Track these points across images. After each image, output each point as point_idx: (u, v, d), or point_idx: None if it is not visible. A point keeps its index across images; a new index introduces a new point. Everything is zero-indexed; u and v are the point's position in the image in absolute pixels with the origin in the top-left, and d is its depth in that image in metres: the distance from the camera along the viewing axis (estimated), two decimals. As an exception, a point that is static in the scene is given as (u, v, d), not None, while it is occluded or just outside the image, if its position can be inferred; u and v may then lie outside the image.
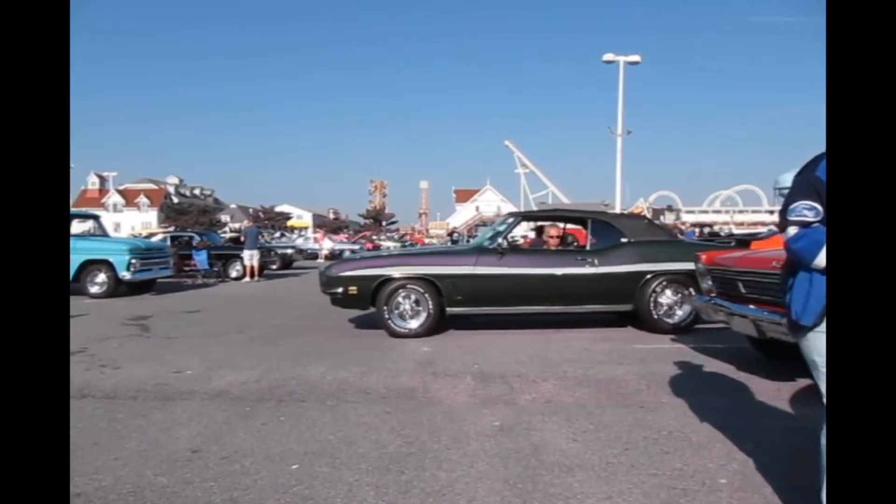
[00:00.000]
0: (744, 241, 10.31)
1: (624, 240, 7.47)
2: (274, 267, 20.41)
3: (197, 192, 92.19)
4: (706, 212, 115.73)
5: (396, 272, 7.25)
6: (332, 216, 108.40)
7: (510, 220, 7.94)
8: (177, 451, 3.36)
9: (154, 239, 19.02)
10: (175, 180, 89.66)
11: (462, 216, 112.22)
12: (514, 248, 7.69)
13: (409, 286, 7.19)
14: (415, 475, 3.00)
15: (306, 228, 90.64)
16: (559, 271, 7.22)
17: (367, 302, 7.27)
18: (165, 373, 5.31)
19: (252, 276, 17.19)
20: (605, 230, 7.64)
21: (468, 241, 56.47)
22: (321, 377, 5.12)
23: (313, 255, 31.94)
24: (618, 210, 39.30)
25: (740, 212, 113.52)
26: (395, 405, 4.27)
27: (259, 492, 2.81)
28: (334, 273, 7.43)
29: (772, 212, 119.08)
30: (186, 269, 16.79)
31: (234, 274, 17.65)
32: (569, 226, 8.91)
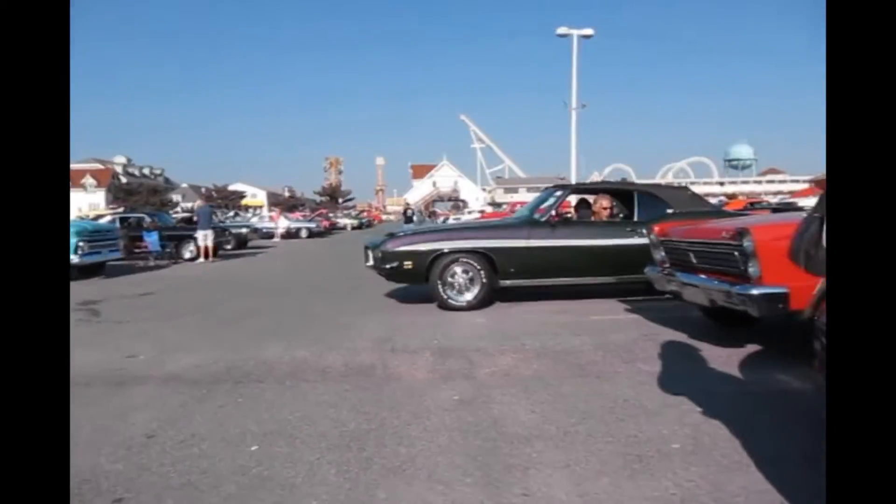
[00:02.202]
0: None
1: (670, 210, 7.63)
2: (229, 247, 20.07)
3: (146, 171, 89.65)
4: (659, 184, 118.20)
5: (451, 246, 7.35)
6: (287, 194, 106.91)
7: (558, 192, 8.07)
8: (132, 436, 3.30)
9: (102, 220, 18.47)
10: (123, 160, 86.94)
11: (419, 192, 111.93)
12: (565, 221, 7.85)
13: (462, 260, 7.29)
14: (375, 451, 3.01)
15: (261, 207, 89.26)
16: (609, 242, 7.32)
17: (421, 276, 7.37)
18: (118, 358, 5.19)
19: (206, 256, 16.88)
20: (652, 202, 7.81)
21: (426, 219, 55.90)
22: (278, 357, 5.08)
23: (269, 235, 31.47)
24: (573, 177, 39.71)
25: (692, 183, 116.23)
26: (354, 383, 4.27)
27: (217, 475, 2.79)
28: (389, 248, 7.47)
29: (722, 183, 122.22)
30: (137, 251, 16.36)
31: (187, 255, 17.29)
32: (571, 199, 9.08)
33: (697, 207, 7.98)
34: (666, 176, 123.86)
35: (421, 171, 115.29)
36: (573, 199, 9.21)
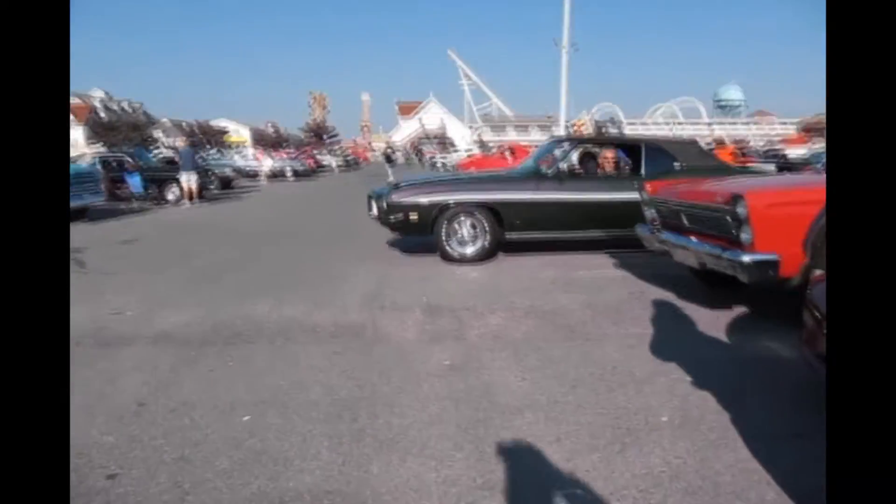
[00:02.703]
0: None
1: (676, 164, 7.62)
2: (213, 188, 19.80)
3: (125, 105, 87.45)
4: (647, 124, 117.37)
5: (457, 199, 7.32)
6: (271, 131, 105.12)
7: (566, 144, 7.98)
8: (123, 404, 3.29)
9: (82, 163, 18.09)
10: (101, 94, 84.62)
11: (405, 130, 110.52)
12: (572, 174, 7.78)
13: (468, 213, 7.29)
14: (367, 423, 3.03)
15: (244, 144, 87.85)
16: (615, 197, 7.27)
17: (427, 228, 7.36)
18: (105, 315, 5.15)
19: (191, 198, 16.65)
20: (659, 156, 7.75)
21: (413, 157, 55.19)
22: (268, 315, 5.06)
23: (253, 174, 31.06)
24: (562, 122, 39.37)
25: (680, 124, 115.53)
26: (344, 344, 4.27)
27: (211, 448, 2.79)
28: (395, 200, 7.44)
29: (710, 124, 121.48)
30: (119, 193, 16.10)
31: (170, 197, 17.06)
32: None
33: (704, 163, 7.94)
34: (654, 116, 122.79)
35: (407, 109, 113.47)
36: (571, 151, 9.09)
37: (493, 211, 7.34)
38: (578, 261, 7.33)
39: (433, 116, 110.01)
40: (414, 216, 7.35)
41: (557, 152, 7.87)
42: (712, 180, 5.51)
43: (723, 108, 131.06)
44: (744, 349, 4.12)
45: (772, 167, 17.90)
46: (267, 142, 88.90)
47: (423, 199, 7.37)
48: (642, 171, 7.67)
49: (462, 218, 7.32)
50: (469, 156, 39.87)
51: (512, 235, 7.49)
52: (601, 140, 9.05)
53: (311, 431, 2.94)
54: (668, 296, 5.52)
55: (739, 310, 5.03)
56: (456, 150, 52.93)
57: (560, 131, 39.81)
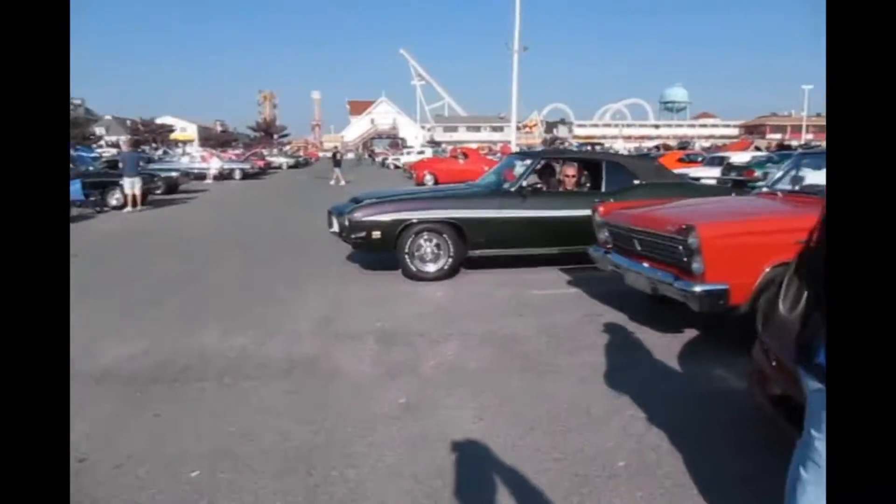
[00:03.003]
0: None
1: (637, 181, 7.71)
2: (158, 192, 19.24)
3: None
4: (597, 125, 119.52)
5: (420, 216, 7.27)
6: (219, 129, 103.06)
7: (528, 161, 7.94)
8: (61, 459, 3.12)
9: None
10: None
11: (357, 129, 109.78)
12: (534, 191, 7.77)
13: (431, 230, 7.26)
14: (322, 477, 2.94)
15: (191, 142, 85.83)
16: (578, 213, 7.19)
17: (389, 246, 7.29)
18: (42, 347, 4.90)
19: (134, 204, 16.15)
20: (619, 172, 7.84)
21: (365, 157, 54.81)
22: (216, 346, 4.91)
23: (200, 176, 30.26)
24: (513, 123, 39.70)
25: (628, 125, 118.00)
26: (297, 381, 4.17)
27: (157, 511, 2.67)
28: (357, 218, 7.31)
29: (657, 126, 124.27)
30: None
31: (113, 203, 16.50)
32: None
33: (662, 179, 8.10)
34: (604, 117, 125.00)
35: (359, 108, 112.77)
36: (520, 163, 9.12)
37: (457, 228, 7.31)
38: (532, 278, 7.36)
39: (385, 115, 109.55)
40: (376, 234, 7.27)
41: (519, 168, 7.88)
42: (664, 205, 5.60)
43: (669, 109, 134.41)
44: (696, 381, 4.18)
45: (714, 174, 18.37)
46: (215, 140, 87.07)
47: (386, 217, 7.29)
48: (602, 187, 7.75)
49: (425, 235, 7.28)
50: (421, 158, 39.77)
51: (475, 253, 7.48)
52: (562, 156, 9.05)
53: (263, 489, 2.84)
54: (621, 318, 5.58)
55: (690, 333, 5.12)
56: (408, 151, 52.68)
57: (512, 131, 40.14)
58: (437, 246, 7.31)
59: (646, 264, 5.06)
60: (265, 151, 56.01)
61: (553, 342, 4.96)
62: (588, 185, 8.16)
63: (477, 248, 7.45)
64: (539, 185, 7.95)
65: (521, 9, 33.09)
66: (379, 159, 61.34)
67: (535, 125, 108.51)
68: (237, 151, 50.51)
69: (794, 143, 65.64)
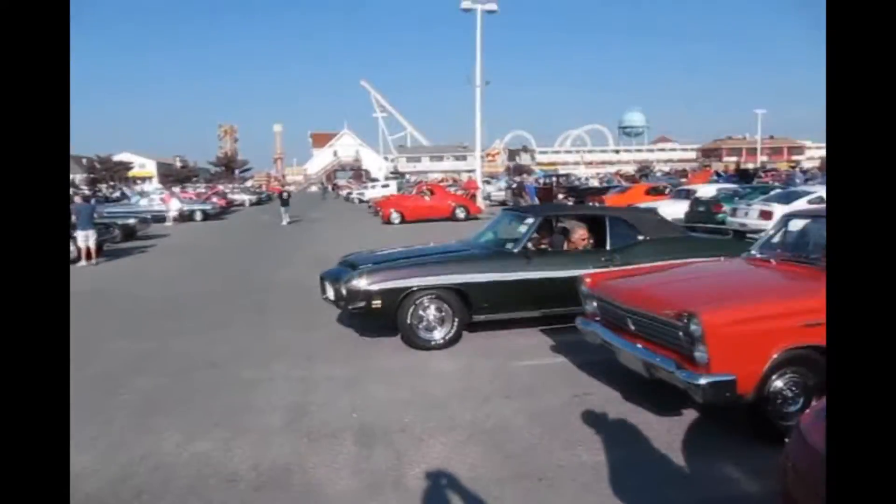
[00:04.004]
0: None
1: (640, 237, 7.54)
2: (115, 241, 18.49)
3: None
4: (558, 152, 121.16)
5: (422, 282, 6.91)
6: (178, 164, 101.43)
7: (530, 220, 7.59)
8: None
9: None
10: (-12, 128, 79.17)
11: (319, 161, 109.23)
12: (539, 252, 7.48)
13: (434, 297, 6.91)
14: None
15: (150, 178, 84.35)
16: (584, 272, 6.89)
17: (390, 314, 6.90)
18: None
19: (89, 257, 15.43)
20: (623, 228, 7.63)
21: (329, 191, 54.21)
22: (177, 455, 4.40)
23: (160, 219, 29.42)
24: (477, 154, 39.75)
25: (589, 151, 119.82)
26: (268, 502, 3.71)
27: None
28: (355, 286, 6.90)
29: (617, 151, 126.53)
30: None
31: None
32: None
33: (666, 233, 7.89)
34: (564, 143, 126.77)
35: (321, 140, 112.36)
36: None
37: (461, 294, 6.98)
38: (515, 344, 7.00)
39: (348, 147, 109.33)
40: (377, 303, 6.87)
41: (523, 228, 7.54)
42: (656, 277, 5.31)
43: (627, 134, 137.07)
44: (705, 483, 3.84)
45: (683, 208, 18.37)
46: (175, 176, 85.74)
47: (387, 284, 6.88)
48: (607, 244, 7.50)
49: (426, 302, 6.92)
50: (386, 195, 39.45)
51: (479, 317, 7.15)
52: (564, 213, 8.71)
53: None
54: (613, 397, 5.25)
55: (689, 414, 4.80)
56: (372, 184, 52.25)
57: (477, 163, 40.20)
58: (441, 313, 6.95)
59: (640, 345, 4.74)
60: (227, 188, 55.13)
61: (546, 434, 4.58)
62: (591, 242, 7.91)
63: (482, 312, 7.12)
64: (543, 246, 7.66)
65: (482, 45, 33.32)
66: (343, 193, 60.85)
67: (497, 153, 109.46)
68: (198, 191, 49.26)
69: (751, 165, 67.29)
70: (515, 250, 7.28)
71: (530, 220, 7.57)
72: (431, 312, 6.94)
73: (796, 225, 5.86)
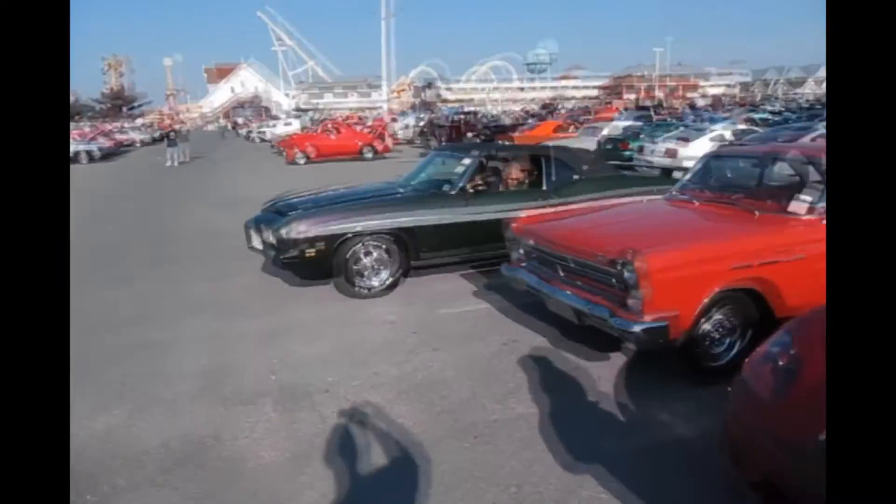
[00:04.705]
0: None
1: (576, 177, 7.54)
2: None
3: None
4: (464, 88, 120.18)
5: (361, 227, 6.55)
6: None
7: (467, 161, 7.27)
8: None
9: None
10: None
11: (217, 97, 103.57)
12: (476, 193, 7.21)
13: (371, 242, 6.61)
14: None
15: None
16: (523, 212, 6.65)
17: (325, 263, 6.53)
18: None
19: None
20: (558, 167, 7.54)
21: (228, 130, 51.83)
22: (73, 435, 3.90)
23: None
24: (384, 90, 38.78)
25: (495, 88, 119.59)
26: (182, 489, 3.36)
27: None
28: (288, 235, 6.40)
29: (522, 88, 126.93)
30: None
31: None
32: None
33: (600, 172, 7.97)
34: (472, 79, 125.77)
35: (218, 75, 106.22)
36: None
37: (399, 238, 6.70)
38: (438, 290, 6.81)
39: (247, 83, 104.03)
40: (311, 251, 6.43)
41: (459, 168, 7.28)
42: (585, 219, 5.19)
43: (531, 70, 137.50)
44: (641, 430, 3.81)
45: (591, 145, 18.57)
46: (54, 114, 79.12)
47: (323, 230, 6.45)
48: (544, 184, 7.44)
49: (364, 248, 6.60)
50: (290, 131, 37.87)
51: (419, 262, 6.94)
52: (501, 152, 8.36)
53: None
54: (541, 344, 5.16)
55: (617, 359, 4.79)
56: (275, 123, 49.98)
57: (383, 96, 39.17)
58: (378, 259, 6.70)
59: (570, 292, 4.62)
60: (115, 127, 51.34)
61: (477, 387, 4.43)
62: (527, 181, 7.77)
63: (420, 257, 6.92)
64: (480, 186, 7.43)
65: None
66: (243, 132, 58.06)
67: (403, 89, 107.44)
68: (82, 130, 45.31)
69: (648, 102, 69.30)
70: (453, 192, 7.06)
71: (468, 161, 7.33)
72: (369, 259, 6.68)
73: (716, 164, 5.88)
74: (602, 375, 4.55)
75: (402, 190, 7.57)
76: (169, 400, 4.40)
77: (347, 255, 6.52)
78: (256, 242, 7.16)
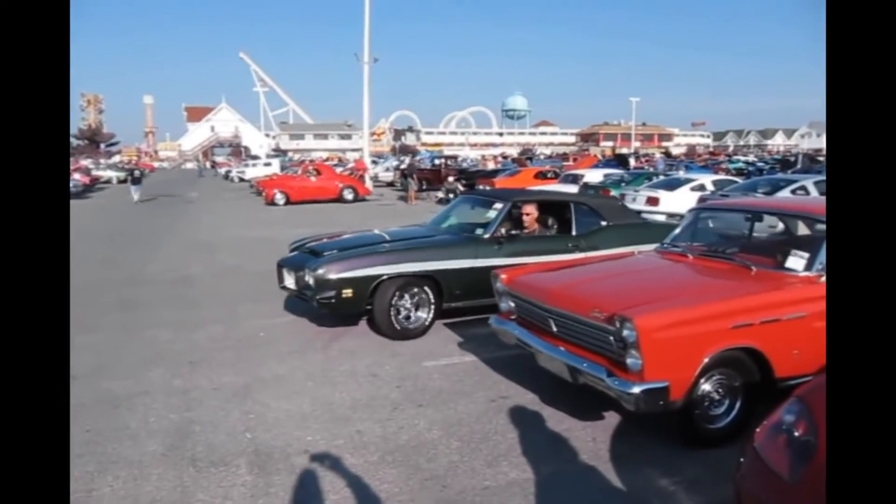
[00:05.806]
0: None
1: (603, 223, 7.58)
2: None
3: None
4: (444, 133, 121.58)
5: (397, 270, 6.64)
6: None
7: (499, 206, 7.34)
8: None
9: None
10: None
11: (196, 136, 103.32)
12: (509, 237, 7.19)
13: (408, 284, 6.68)
14: None
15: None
16: (553, 258, 6.73)
17: (361, 305, 6.62)
18: None
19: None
20: (586, 214, 7.64)
21: (206, 168, 51.48)
22: None
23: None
24: (365, 132, 38.82)
25: (474, 133, 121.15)
26: (145, 564, 3.05)
27: None
28: (324, 275, 6.47)
29: (501, 133, 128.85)
30: None
31: None
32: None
33: (627, 220, 8.04)
34: (449, 124, 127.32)
35: (197, 114, 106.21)
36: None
37: (434, 281, 6.75)
38: (419, 340, 6.58)
39: (226, 123, 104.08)
40: (347, 292, 6.44)
41: (491, 213, 7.32)
42: (579, 274, 5.02)
43: (510, 117, 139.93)
44: (637, 496, 3.59)
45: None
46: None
47: (360, 272, 6.48)
48: (573, 230, 7.46)
49: (401, 291, 6.65)
50: (269, 172, 37.69)
51: (451, 305, 6.93)
52: (532, 198, 8.30)
53: None
54: (532, 402, 4.94)
55: (612, 418, 4.58)
56: (254, 163, 49.73)
57: (365, 143, 39.27)
58: (415, 301, 6.77)
59: (563, 348, 4.43)
60: (91, 165, 50.87)
61: (466, 449, 4.18)
62: (554, 227, 7.75)
63: (453, 300, 6.91)
64: (513, 232, 7.39)
65: (371, 22, 32.41)
66: (222, 171, 57.74)
67: (383, 133, 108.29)
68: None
69: (625, 150, 70.54)
70: (486, 236, 7.09)
71: (499, 206, 7.38)
72: (406, 301, 6.72)
73: (706, 217, 5.80)
74: (597, 437, 4.33)
75: (433, 234, 7.60)
76: (134, 461, 4.07)
77: (388, 298, 6.53)
78: (289, 282, 7.17)
